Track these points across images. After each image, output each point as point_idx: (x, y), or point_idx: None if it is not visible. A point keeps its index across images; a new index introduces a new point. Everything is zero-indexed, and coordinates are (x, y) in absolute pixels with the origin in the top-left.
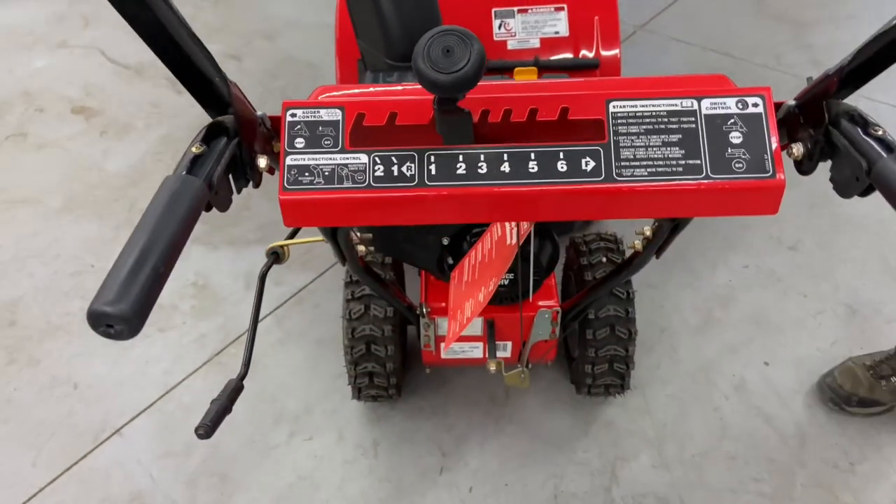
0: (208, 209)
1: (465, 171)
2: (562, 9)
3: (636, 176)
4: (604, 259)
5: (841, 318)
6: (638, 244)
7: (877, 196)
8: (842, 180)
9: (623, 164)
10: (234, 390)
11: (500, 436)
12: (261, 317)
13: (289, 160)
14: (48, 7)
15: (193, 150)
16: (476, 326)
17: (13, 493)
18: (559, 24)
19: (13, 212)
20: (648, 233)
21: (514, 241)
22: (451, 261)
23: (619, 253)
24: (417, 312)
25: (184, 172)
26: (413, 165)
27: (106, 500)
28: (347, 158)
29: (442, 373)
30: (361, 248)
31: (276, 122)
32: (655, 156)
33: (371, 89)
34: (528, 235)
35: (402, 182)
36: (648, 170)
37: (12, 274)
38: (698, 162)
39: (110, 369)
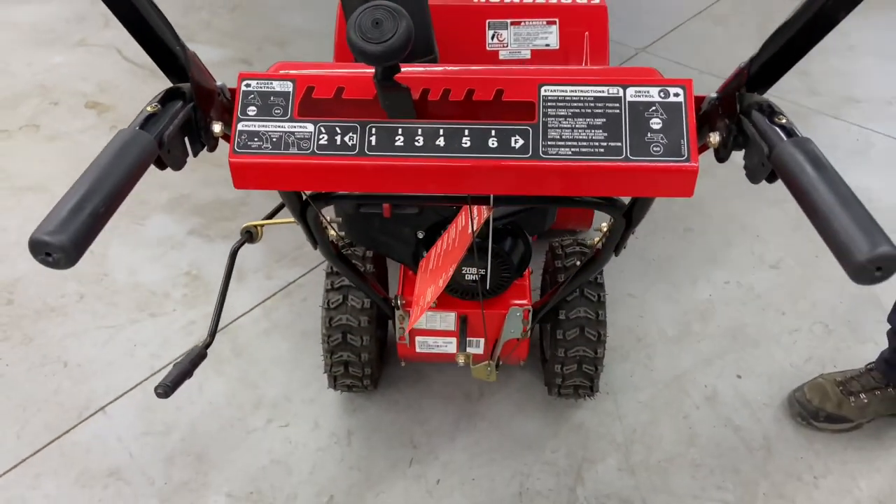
0: (162, 167)
1: (402, 144)
2: (553, 22)
3: (561, 154)
4: (578, 262)
5: (817, 336)
6: (597, 241)
7: None
8: (751, 167)
9: (549, 143)
10: (196, 356)
11: (472, 432)
12: (250, 307)
13: (240, 126)
14: (70, 6)
15: (148, 109)
16: (449, 321)
17: None
18: (550, 37)
19: (20, 197)
20: (605, 229)
21: (471, 229)
22: (425, 254)
23: (586, 246)
24: (392, 305)
25: (136, 128)
26: (355, 136)
27: (84, 473)
28: (295, 127)
29: (419, 368)
30: (332, 232)
31: (234, 93)
32: (580, 137)
33: (325, 69)
34: (491, 230)
35: (344, 150)
36: (573, 149)
37: (14, 256)
38: (619, 144)
39: (100, 350)
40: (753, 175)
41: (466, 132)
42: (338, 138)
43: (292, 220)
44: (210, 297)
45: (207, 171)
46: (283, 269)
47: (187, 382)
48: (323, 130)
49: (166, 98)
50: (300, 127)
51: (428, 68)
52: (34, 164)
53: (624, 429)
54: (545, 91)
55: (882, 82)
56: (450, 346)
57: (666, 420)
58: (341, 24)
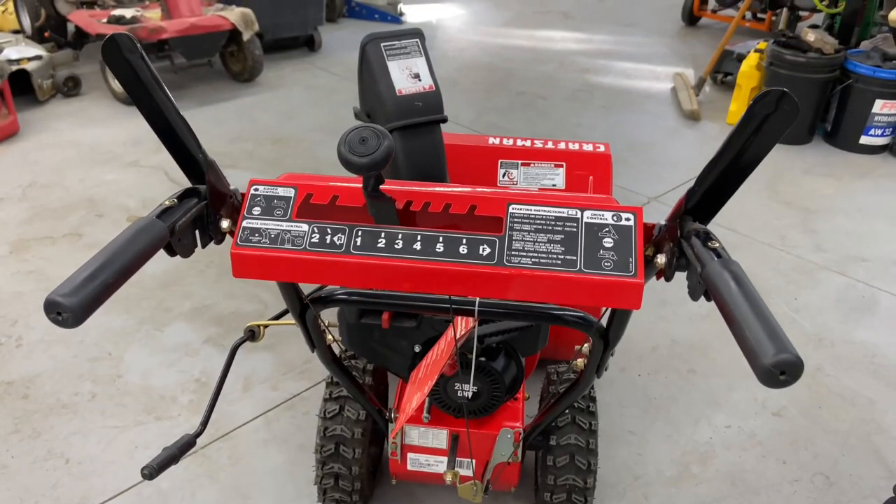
0: (172, 254)
1: (384, 245)
2: (561, 165)
3: (522, 263)
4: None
5: (817, 488)
6: (580, 363)
7: (868, 380)
8: (691, 285)
9: (513, 253)
10: (185, 444)
11: None
12: (252, 417)
13: (245, 223)
14: (129, 132)
15: (166, 202)
16: (441, 438)
17: None
18: (557, 178)
19: None
20: (585, 350)
21: (456, 337)
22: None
23: (573, 371)
24: (387, 418)
25: (153, 217)
26: (343, 236)
27: None
28: (292, 226)
29: (410, 490)
30: (330, 337)
31: (245, 195)
32: (540, 249)
33: (326, 181)
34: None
35: (332, 248)
36: (533, 260)
37: (37, 353)
38: (574, 258)
39: (103, 449)
40: (693, 292)
41: (441, 239)
42: (328, 237)
43: (292, 322)
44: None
45: (232, 284)
46: (289, 381)
47: (181, 488)
48: (315, 230)
49: (184, 195)
50: (296, 226)
51: (413, 185)
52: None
53: None
54: (513, 209)
55: (889, 243)
56: (441, 465)
57: None
58: None
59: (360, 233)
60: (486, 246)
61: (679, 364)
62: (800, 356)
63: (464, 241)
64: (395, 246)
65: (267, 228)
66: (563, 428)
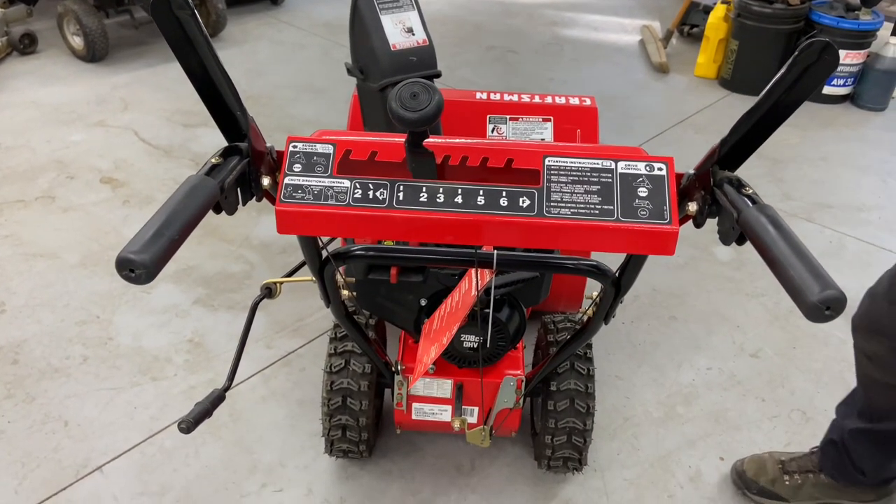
0: (218, 211)
1: (426, 200)
2: (549, 119)
3: (562, 214)
4: (568, 336)
5: (795, 423)
6: (589, 310)
7: (839, 321)
8: (724, 231)
9: (552, 204)
10: (216, 398)
11: (463, 503)
12: (249, 375)
13: (287, 179)
14: (92, 90)
15: (213, 160)
16: (446, 388)
17: None
18: (545, 132)
19: (31, 263)
20: (595, 297)
21: (475, 291)
22: (426, 321)
23: (574, 322)
24: (393, 370)
25: (203, 174)
26: (385, 192)
27: None
28: (334, 182)
29: (412, 439)
30: (345, 293)
31: (281, 154)
32: (578, 200)
33: (361, 136)
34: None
35: (375, 203)
36: (572, 210)
37: (22, 318)
38: (611, 207)
39: (101, 411)
40: (726, 238)
41: (481, 192)
42: (370, 193)
43: (310, 278)
44: (211, 363)
45: (214, 245)
46: (283, 339)
47: (184, 446)
48: (358, 186)
49: (226, 153)
50: (338, 182)
51: (449, 140)
52: (48, 233)
53: None
54: (549, 161)
55: (852, 190)
56: (445, 413)
57: (651, 499)
58: (354, 116)
59: (401, 188)
60: (525, 198)
61: (660, 311)
62: (843, 291)
63: (503, 193)
64: (437, 200)
65: (309, 185)
66: (562, 374)
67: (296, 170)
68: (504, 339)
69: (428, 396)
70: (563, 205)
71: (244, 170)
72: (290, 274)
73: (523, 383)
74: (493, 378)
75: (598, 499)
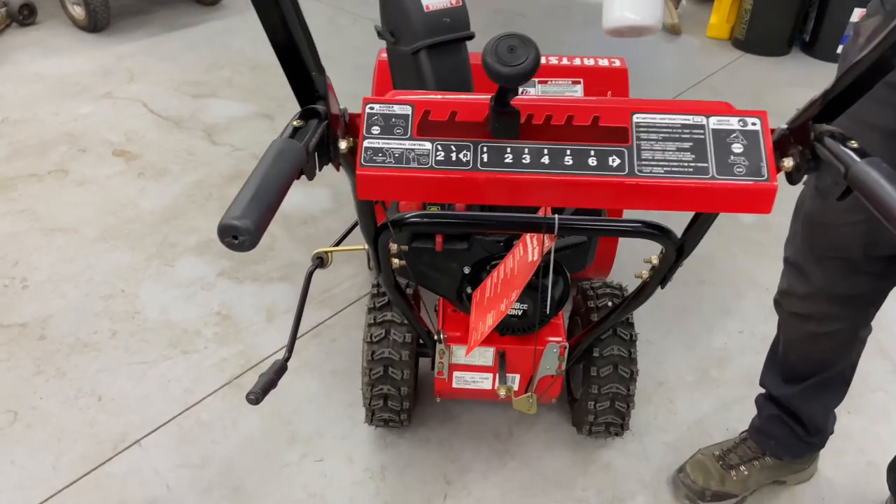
0: (298, 176)
1: (511, 161)
2: (578, 82)
3: (654, 173)
4: (609, 304)
5: None
6: (645, 273)
7: None
8: (825, 187)
9: (643, 162)
10: (279, 369)
11: (503, 470)
12: (280, 346)
13: (366, 143)
14: (96, 61)
15: (295, 123)
16: (488, 356)
17: (33, 493)
18: (576, 94)
19: (50, 238)
20: (655, 261)
21: (536, 257)
22: (469, 290)
23: (622, 298)
24: (435, 338)
25: (288, 137)
26: (468, 153)
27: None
28: (415, 144)
29: (448, 407)
30: (396, 261)
31: (354, 118)
32: (671, 158)
33: (436, 95)
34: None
35: (459, 166)
36: (664, 168)
37: (46, 294)
38: (706, 165)
39: (134, 385)
40: (827, 194)
41: (568, 152)
42: (453, 155)
43: (361, 247)
44: (240, 335)
45: None
46: (311, 310)
47: (221, 418)
48: (440, 148)
49: (306, 115)
50: (419, 145)
51: (532, 98)
52: (64, 207)
53: (651, 469)
54: (637, 118)
55: None
56: (486, 381)
57: None
58: (379, 80)
59: (485, 149)
60: (615, 157)
61: (688, 276)
62: None
63: (592, 152)
64: (523, 161)
65: (389, 148)
66: (605, 340)
67: (374, 132)
68: (549, 307)
69: (469, 365)
70: (654, 163)
71: (324, 133)
72: (339, 242)
73: (566, 350)
74: (536, 345)
75: (639, 463)
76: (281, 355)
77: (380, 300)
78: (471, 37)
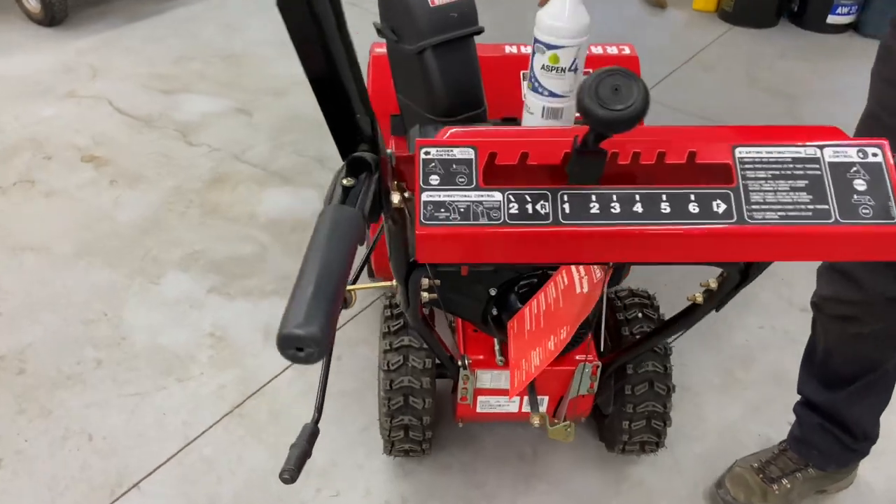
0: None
1: (598, 211)
2: (588, 73)
3: (767, 219)
4: (639, 314)
5: None
6: (699, 296)
7: None
8: None
9: (754, 207)
10: (311, 434)
11: (531, 494)
12: (281, 369)
13: (424, 196)
14: (56, 57)
15: (344, 182)
16: None
17: None
18: None
19: (20, 258)
20: (713, 284)
21: (586, 288)
22: (495, 312)
23: (653, 309)
24: (459, 364)
25: (339, 203)
26: (547, 204)
27: None
28: (482, 196)
29: (468, 429)
30: (425, 294)
31: (403, 163)
32: (784, 200)
33: (501, 135)
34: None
35: (538, 220)
36: (779, 213)
37: (20, 321)
38: (826, 207)
39: (127, 420)
40: None
41: (664, 197)
42: (529, 207)
43: (388, 283)
44: (237, 358)
45: (218, 226)
46: None
47: (225, 452)
48: (512, 199)
49: (353, 169)
50: (488, 196)
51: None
52: (32, 223)
53: (686, 483)
54: (740, 152)
55: None
56: (512, 404)
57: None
58: (375, 75)
59: (566, 198)
60: (719, 201)
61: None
62: None
63: (692, 197)
64: (612, 210)
65: (453, 201)
66: (639, 355)
67: (433, 182)
68: (584, 326)
69: (495, 389)
70: (767, 207)
71: (376, 187)
72: (358, 277)
73: (598, 369)
74: (566, 365)
75: (672, 478)
76: (284, 379)
77: (394, 323)
78: (479, 31)
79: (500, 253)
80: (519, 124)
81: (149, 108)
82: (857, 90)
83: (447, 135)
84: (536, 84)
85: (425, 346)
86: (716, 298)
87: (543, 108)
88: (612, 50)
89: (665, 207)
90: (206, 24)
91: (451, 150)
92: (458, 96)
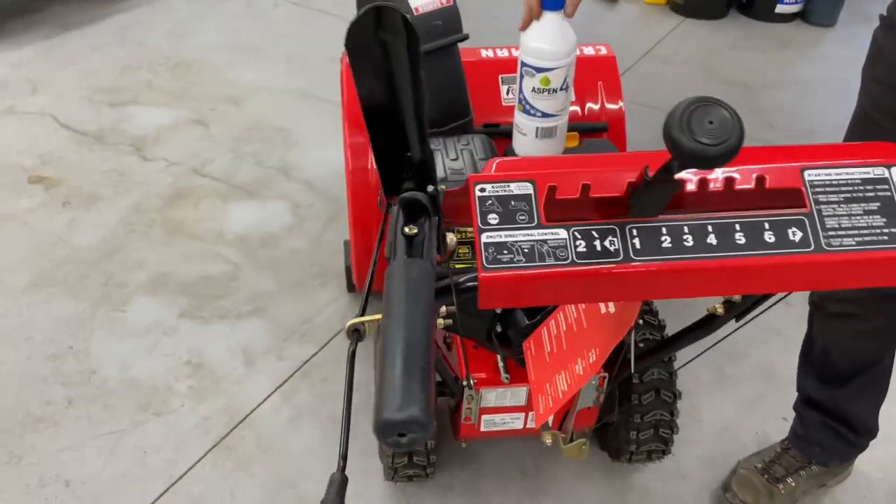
0: None
1: (670, 245)
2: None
3: (845, 245)
4: (640, 321)
5: None
6: (719, 308)
7: None
8: None
9: (830, 233)
10: (340, 485)
11: None
12: (266, 394)
13: (484, 237)
14: None
15: (407, 230)
16: (520, 396)
17: None
18: None
19: None
20: (737, 297)
21: (612, 309)
22: (499, 329)
23: (652, 314)
24: (464, 384)
25: (406, 257)
26: (616, 240)
27: None
28: (546, 234)
29: (469, 447)
30: (442, 320)
31: (454, 198)
32: (860, 224)
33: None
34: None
35: (607, 258)
36: (856, 239)
37: None
38: None
39: (105, 462)
40: None
41: (737, 226)
42: (597, 244)
43: None
44: (219, 386)
45: (183, 245)
46: (293, 347)
47: (215, 490)
48: (578, 236)
49: (411, 214)
50: (552, 234)
51: None
52: None
53: (690, 488)
54: (809, 175)
55: (828, 113)
56: (517, 421)
57: (728, 474)
58: (350, 84)
59: (634, 232)
60: (795, 228)
61: None
62: None
63: (766, 225)
64: (685, 243)
65: (516, 241)
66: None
67: (492, 222)
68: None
69: (500, 407)
70: (843, 233)
71: (435, 231)
72: (365, 307)
73: (605, 380)
74: None
75: (677, 483)
76: (270, 405)
77: None
78: (465, 38)
79: (568, 295)
80: (500, 129)
81: (97, 123)
82: (811, 79)
83: (494, 167)
84: (528, 106)
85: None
86: (737, 309)
87: (537, 129)
88: (589, 51)
89: (739, 237)
90: (151, 30)
91: (508, 186)
92: (444, 106)
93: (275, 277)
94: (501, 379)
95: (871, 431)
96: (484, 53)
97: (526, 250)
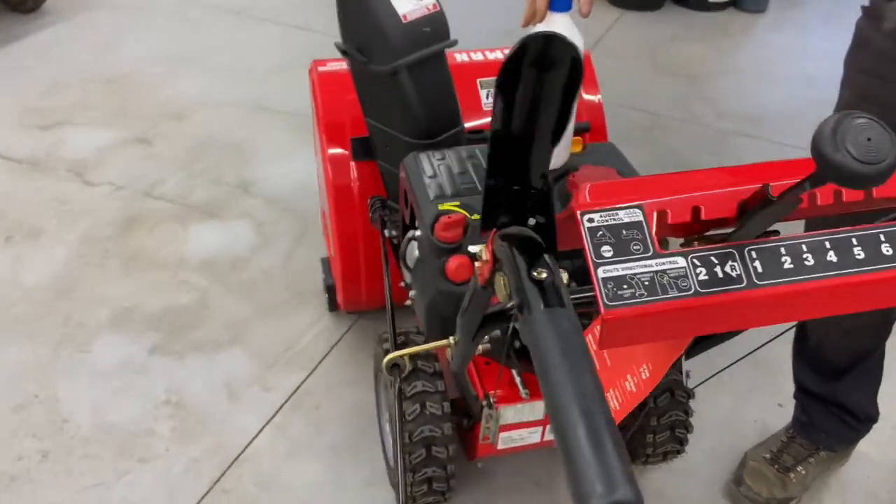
0: None
1: (791, 266)
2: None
3: None
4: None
5: None
6: None
7: None
8: None
9: None
10: None
11: None
12: (258, 429)
13: (601, 272)
14: None
15: (542, 275)
16: (538, 411)
17: None
18: None
19: None
20: None
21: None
22: (517, 344)
23: None
24: (483, 403)
25: (546, 308)
26: (737, 264)
27: None
28: (664, 263)
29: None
30: (481, 347)
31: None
32: None
33: (641, 180)
34: None
35: (731, 284)
36: None
37: None
38: None
39: None
40: None
41: (855, 241)
42: (718, 270)
43: (444, 342)
44: (203, 424)
45: (146, 275)
46: (279, 375)
47: None
48: (697, 262)
49: (534, 254)
50: (670, 262)
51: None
52: None
53: (700, 483)
54: None
55: (773, 98)
56: (534, 435)
57: (737, 465)
58: (325, 95)
59: (754, 254)
60: None
61: None
62: None
63: (882, 237)
64: (805, 263)
65: (634, 274)
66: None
67: (606, 255)
68: None
69: (518, 423)
70: None
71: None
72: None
73: None
74: None
75: (688, 480)
76: (263, 439)
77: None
78: (453, 44)
79: (692, 327)
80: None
81: (31, 149)
82: (750, 67)
83: (588, 191)
84: None
85: (440, 389)
86: None
87: None
88: None
89: (858, 252)
90: (77, 47)
91: (616, 214)
92: (437, 116)
93: (248, 302)
94: (521, 394)
95: (871, 418)
96: (459, 57)
97: (646, 283)
